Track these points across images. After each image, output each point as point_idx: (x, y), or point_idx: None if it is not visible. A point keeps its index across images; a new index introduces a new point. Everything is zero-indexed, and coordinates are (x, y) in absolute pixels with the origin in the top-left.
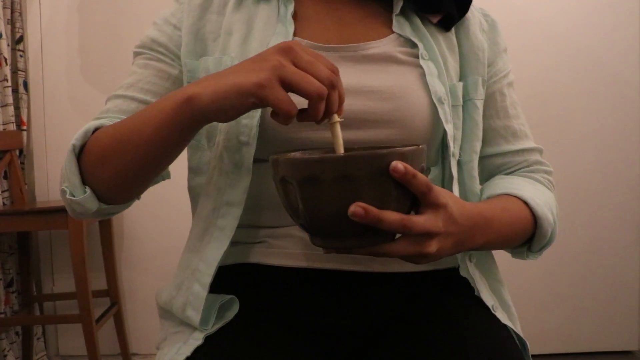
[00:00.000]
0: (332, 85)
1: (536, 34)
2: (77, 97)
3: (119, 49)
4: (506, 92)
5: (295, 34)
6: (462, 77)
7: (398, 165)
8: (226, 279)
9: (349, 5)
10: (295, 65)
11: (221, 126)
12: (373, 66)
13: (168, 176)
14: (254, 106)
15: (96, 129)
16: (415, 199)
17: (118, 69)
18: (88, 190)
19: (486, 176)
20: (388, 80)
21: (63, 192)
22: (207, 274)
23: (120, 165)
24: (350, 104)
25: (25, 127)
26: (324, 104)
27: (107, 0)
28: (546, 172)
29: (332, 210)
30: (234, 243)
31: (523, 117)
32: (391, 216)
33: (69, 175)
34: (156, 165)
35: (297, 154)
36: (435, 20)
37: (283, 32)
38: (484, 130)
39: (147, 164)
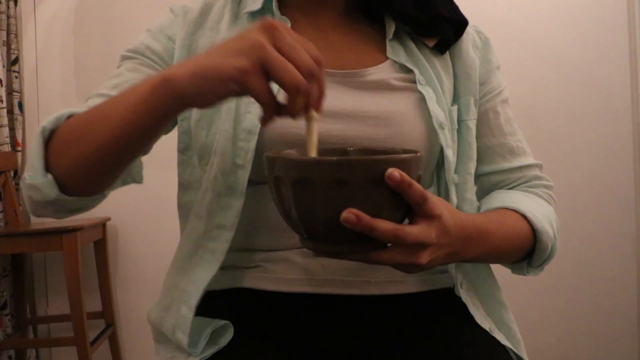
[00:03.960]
0: (312, 75)
1: (529, 50)
2: None
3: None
4: (500, 109)
5: None
6: (455, 98)
7: (394, 173)
8: (220, 303)
9: (341, 29)
10: (277, 48)
11: (216, 147)
12: (369, 92)
13: (140, 179)
14: (235, 93)
15: (70, 116)
16: (409, 207)
17: None
18: (49, 175)
19: (484, 193)
20: (384, 106)
21: (23, 178)
22: (195, 296)
23: (85, 149)
24: (346, 129)
25: (19, 148)
26: (301, 97)
27: (102, 22)
28: (546, 186)
29: (325, 214)
30: (227, 267)
31: (520, 134)
32: (384, 225)
33: (32, 159)
34: (123, 153)
35: (292, 153)
36: (431, 44)
37: None
38: (479, 148)
39: (113, 150)
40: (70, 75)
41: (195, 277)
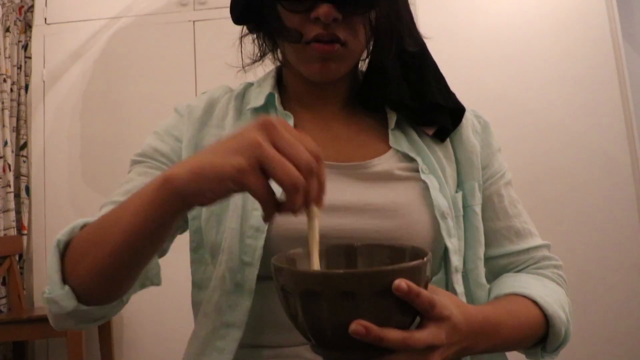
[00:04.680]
0: (311, 172)
1: (528, 123)
2: (78, 201)
3: (120, 154)
4: (504, 192)
5: None
6: (459, 184)
7: (401, 284)
8: None
9: (344, 121)
10: (275, 146)
11: (224, 245)
12: (374, 184)
13: (158, 282)
14: (233, 191)
15: (84, 226)
16: (418, 311)
17: (119, 174)
18: (66, 287)
19: (493, 277)
20: (390, 197)
21: (43, 293)
22: None
23: (99, 258)
24: (353, 222)
25: (25, 232)
26: (301, 195)
27: (108, 107)
28: (555, 266)
29: (333, 324)
30: None
31: (525, 215)
32: (393, 335)
33: (50, 273)
34: (136, 257)
35: (299, 253)
36: (430, 132)
37: None
38: (485, 232)
39: (125, 255)
40: (77, 159)
41: None
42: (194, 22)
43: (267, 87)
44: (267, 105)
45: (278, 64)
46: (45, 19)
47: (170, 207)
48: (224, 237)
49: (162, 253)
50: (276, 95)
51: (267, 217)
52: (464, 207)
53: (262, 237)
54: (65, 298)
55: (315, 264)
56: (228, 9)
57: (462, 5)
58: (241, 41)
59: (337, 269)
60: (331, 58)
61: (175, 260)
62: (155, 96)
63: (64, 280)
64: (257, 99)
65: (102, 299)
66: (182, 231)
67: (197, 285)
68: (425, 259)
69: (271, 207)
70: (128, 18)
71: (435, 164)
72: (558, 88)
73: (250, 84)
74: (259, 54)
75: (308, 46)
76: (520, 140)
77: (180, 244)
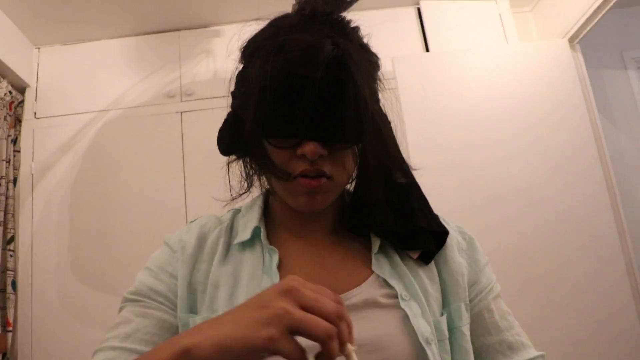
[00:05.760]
0: (340, 318)
1: (516, 200)
2: (66, 296)
3: (109, 247)
4: (493, 307)
5: None
6: (444, 305)
7: None
8: None
9: (330, 247)
10: (301, 306)
11: None
12: (356, 314)
13: None
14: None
15: None
16: None
17: (107, 267)
18: None
19: None
20: (372, 330)
21: None
22: None
23: None
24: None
25: (10, 328)
26: (336, 341)
27: (97, 200)
28: None
29: None
30: None
31: (517, 326)
32: None
33: None
34: None
35: None
36: (415, 256)
37: (269, 285)
38: (478, 348)
39: None
40: (65, 252)
41: None
42: (181, 113)
43: (254, 219)
44: (254, 239)
45: (264, 189)
46: (35, 113)
47: None
48: None
49: None
50: (262, 229)
51: None
52: (451, 329)
53: None
54: None
55: None
56: (214, 99)
57: (444, 89)
58: (228, 167)
59: None
60: (318, 192)
61: None
62: (144, 187)
63: None
64: (244, 232)
65: None
66: None
67: None
68: None
69: None
70: (116, 111)
71: (418, 289)
72: (541, 164)
73: (238, 211)
74: (246, 184)
75: (295, 181)
76: (508, 217)
77: None
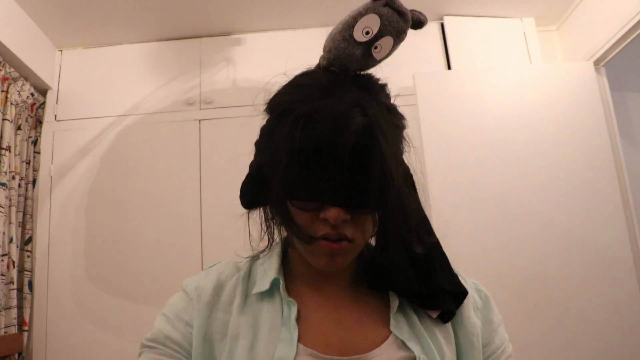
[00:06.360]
0: None
1: (532, 224)
2: (80, 299)
3: (125, 252)
4: None
5: (298, 340)
6: None
7: None
8: None
9: (348, 303)
10: None
11: None
12: None
13: None
14: None
15: None
16: None
17: (122, 272)
18: None
19: None
20: None
21: None
22: None
23: None
24: None
25: (26, 328)
26: None
27: (114, 204)
28: None
29: None
30: None
31: None
32: None
33: None
34: None
35: None
36: (435, 315)
37: (288, 338)
38: None
39: None
40: (81, 255)
41: None
42: (200, 120)
43: (272, 269)
44: (272, 290)
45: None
46: (56, 116)
47: None
48: None
49: None
50: (281, 281)
51: None
52: None
53: None
54: None
55: None
56: (233, 108)
57: (464, 107)
58: (248, 216)
59: None
60: (339, 254)
61: None
62: (160, 194)
63: None
64: (262, 282)
65: None
66: None
67: None
68: None
69: None
70: (135, 116)
71: (435, 352)
72: (559, 187)
73: (257, 258)
74: (267, 237)
75: (316, 242)
76: (523, 239)
77: None
